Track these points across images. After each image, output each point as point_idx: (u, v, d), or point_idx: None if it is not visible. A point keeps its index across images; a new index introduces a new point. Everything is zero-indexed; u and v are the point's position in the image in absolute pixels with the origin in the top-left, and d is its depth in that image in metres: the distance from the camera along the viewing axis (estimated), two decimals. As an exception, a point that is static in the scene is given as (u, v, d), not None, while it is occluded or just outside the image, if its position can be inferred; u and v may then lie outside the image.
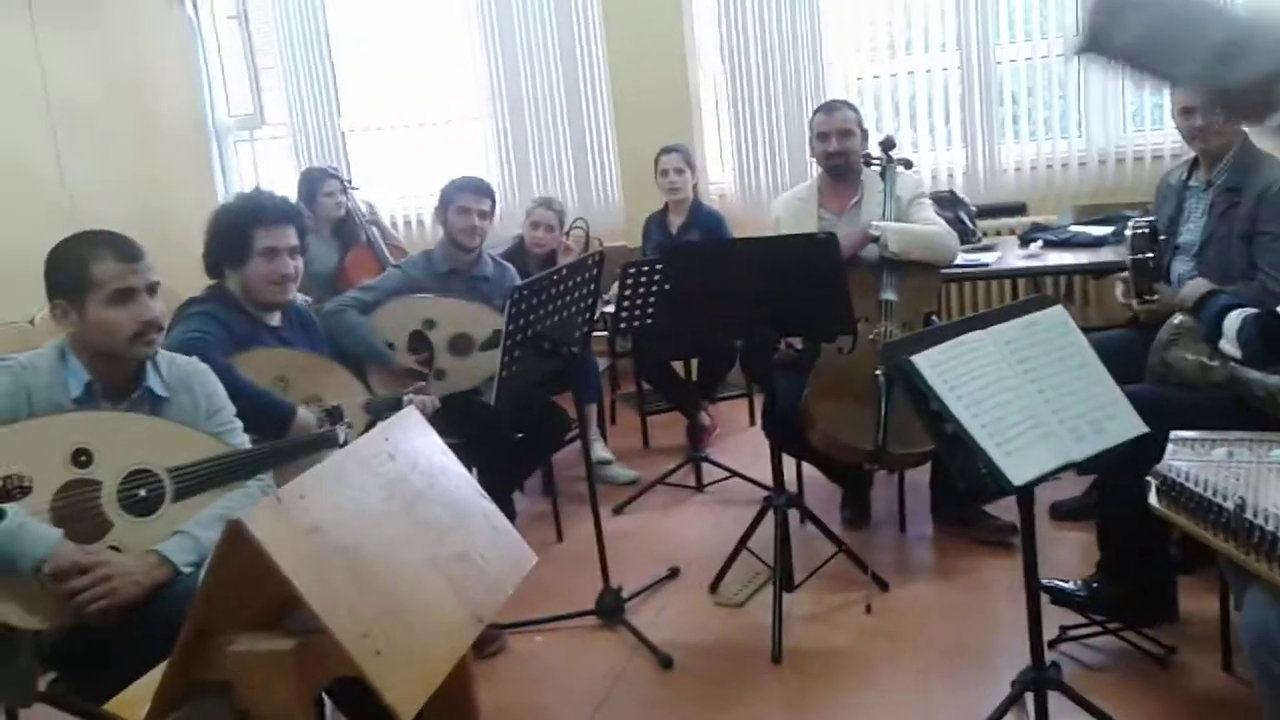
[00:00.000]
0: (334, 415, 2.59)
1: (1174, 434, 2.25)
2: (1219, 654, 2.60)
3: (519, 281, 3.78)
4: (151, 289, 2.24)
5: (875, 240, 3.51)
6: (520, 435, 3.69)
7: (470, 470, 3.44)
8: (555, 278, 3.01)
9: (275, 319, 2.91)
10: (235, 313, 2.82)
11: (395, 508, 1.79)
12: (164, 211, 5.77)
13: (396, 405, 2.87)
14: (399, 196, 6.01)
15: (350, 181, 5.12)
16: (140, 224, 5.64)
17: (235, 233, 2.79)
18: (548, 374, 3.17)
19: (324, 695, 2.17)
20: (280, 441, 2.47)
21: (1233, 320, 2.61)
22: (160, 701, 1.59)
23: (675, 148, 4.73)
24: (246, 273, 2.80)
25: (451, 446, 3.05)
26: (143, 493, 2.14)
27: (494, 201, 3.83)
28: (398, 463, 1.86)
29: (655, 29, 5.45)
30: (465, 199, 3.74)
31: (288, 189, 4.73)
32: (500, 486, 3.57)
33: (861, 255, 3.54)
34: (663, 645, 2.96)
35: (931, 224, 3.63)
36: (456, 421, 3.31)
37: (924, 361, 2.14)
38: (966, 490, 3.28)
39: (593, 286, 3.14)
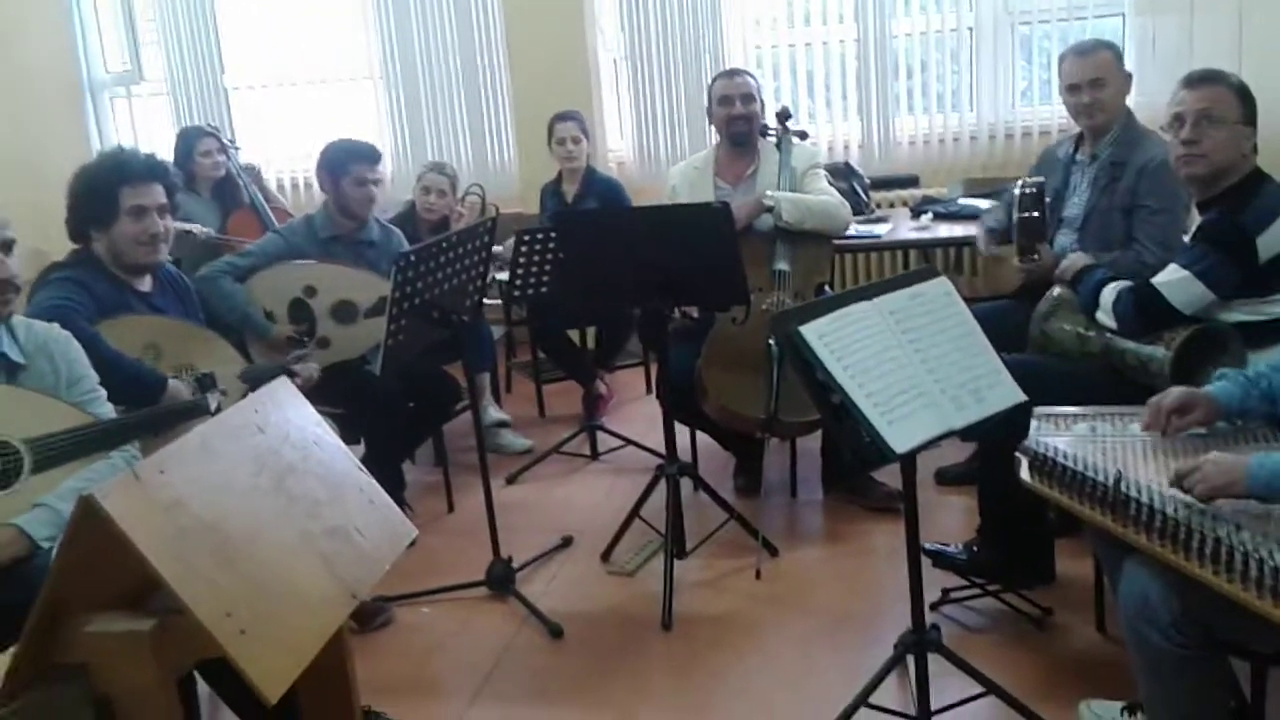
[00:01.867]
0: (205, 383, 2.48)
1: (1037, 409, 2.30)
2: (1093, 615, 2.69)
3: (406, 247, 3.70)
4: (6, 246, 2.11)
5: (769, 210, 3.52)
6: (410, 405, 3.61)
7: (358, 441, 3.41)
8: (445, 244, 2.94)
9: (145, 284, 2.78)
10: (101, 278, 2.68)
11: (265, 481, 1.72)
12: (34, 172, 5.46)
13: (274, 374, 2.78)
14: (286, 158, 5.80)
15: (232, 141, 4.93)
16: (8, 185, 5.41)
17: (99, 193, 2.65)
18: (438, 342, 3.10)
19: (196, 675, 2.10)
20: (145, 410, 2.36)
21: (1109, 293, 2.69)
22: (10, 684, 1.51)
23: (570, 115, 4.66)
24: (113, 234, 2.66)
25: (337, 417, 2.98)
26: (-4, 465, 2.03)
27: (382, 168, 3.72)
28: (268, 435, 1.79)
29: (553, -8, 5.36)
30: (362, 169, 3.58)
31: (167, 149, 4.55)
32: (388, 457, 3.52)
33: (756, 225, 3.55)
34: (553, 615, 2.95)
35: (825, 194, 3.65)
36: (341, 391, 3.23)
37: (811, 332, 2.14)
38: (852, 458, 3.35)
39: (484, 254, 3.08)
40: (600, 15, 5.54)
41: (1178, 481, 1.80)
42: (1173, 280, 2.53)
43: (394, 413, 3.51)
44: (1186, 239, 3.03)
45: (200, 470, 1.58)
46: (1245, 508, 1.77)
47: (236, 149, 4.88)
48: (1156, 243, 3.05)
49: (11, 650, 1.53)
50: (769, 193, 3.54)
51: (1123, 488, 1.84)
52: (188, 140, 4.68)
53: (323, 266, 3.49)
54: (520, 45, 5.47)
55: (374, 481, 1.96)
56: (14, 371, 2.16)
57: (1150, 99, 3.48)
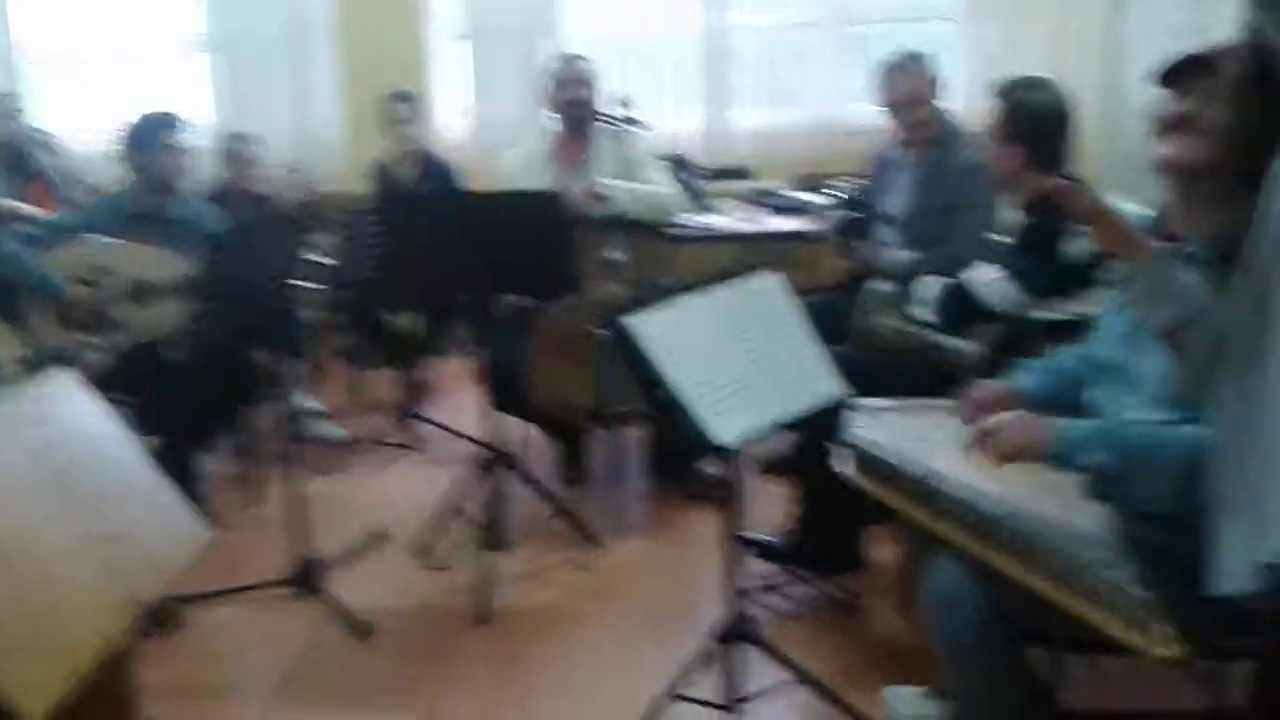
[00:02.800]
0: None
1: (857, 402, 2.34)
2: (898, 600, 2.75)
3: (220, 225, 3.49)
4: None
5: (603, 199, 3.47)
6: (212, 392, 3.39)
7: (154, 432, 3.19)
8: (258, 224, 2.76)
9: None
10: None
11: (41, 479, 1.58)
12: None
13: (61, 360, 2.56)
14: (93, 131, 5.36)
15: (21, 109, 4.54)
16: None
17: None
18: (248, 327, 2.91)
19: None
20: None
21: (927, 289, 2.77)
22: None
23: (405, 94, 4.50)
24: None
25: (131, 407, 2.77)
26: None
27: (187, 135, 3.49)
28: (48, 428, 1.64)
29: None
30: (167, 136, 3.37)
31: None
32: (186, 448, 3.30)
33: (588, 213, 3.49)
34: (365, 612, 2.83)
35: (659, 185, 3.63)
36: (137, 378, 3.01)
37: (640, 325, 2.12)
38: (679, 449, 3.36)
39: (300, 235, 2.92)
40: (438, -10, 5.35)
41: (978, 439, 1.82)
42: (987, 279, 2.62)
43: (194, 401, 3.28)
44: (1002, 238, 3.17)
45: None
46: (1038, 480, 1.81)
47: (19, 112, 4.49)
48: (970, 240, 3.15)
49: None
50: (604, 181, 3.49)
51: (934, 482, 1.88)
52: None
53: (121, 244, 3.24)
54: (351, 19, 5.23)
55: (165, 481, 1.81)
56: None
57: (972, 100, 3.59)
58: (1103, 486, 1.73)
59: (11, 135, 4.34)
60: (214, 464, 3.78)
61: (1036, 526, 1.75)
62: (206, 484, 3.46)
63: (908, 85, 3.33)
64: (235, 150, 4.16)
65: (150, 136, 3.38)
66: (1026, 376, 2.17)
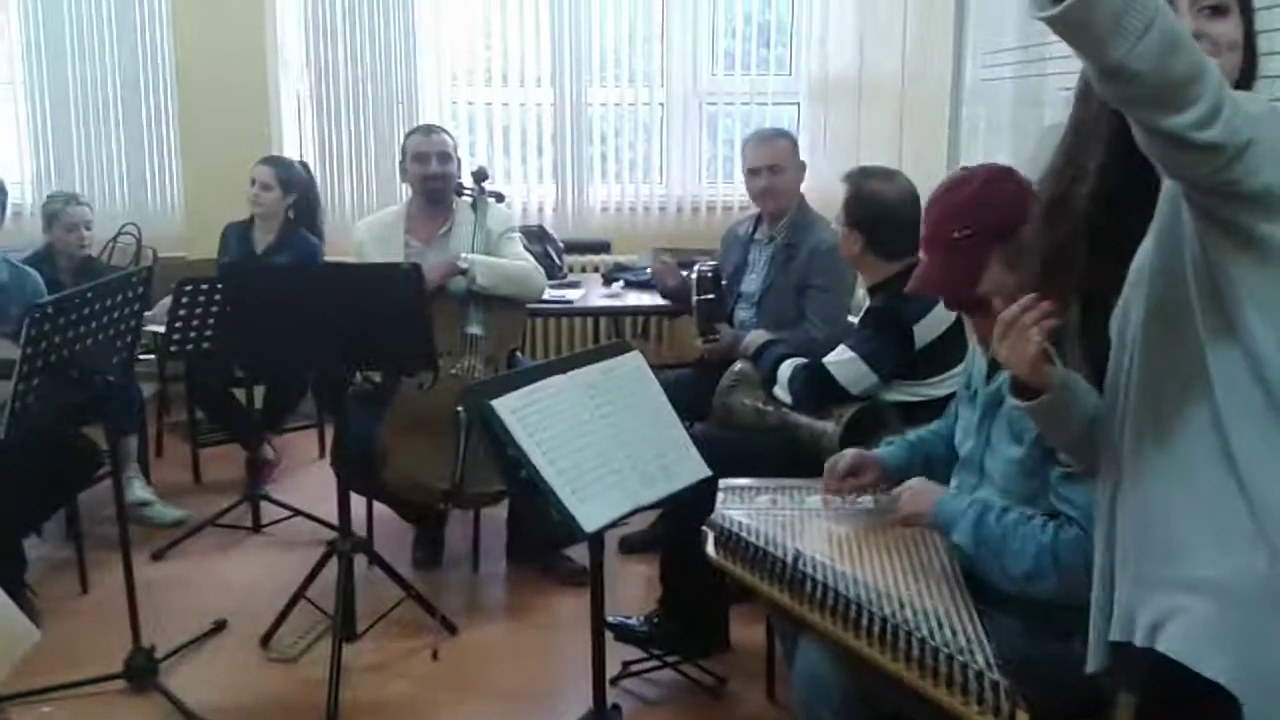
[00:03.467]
0: None
1: (722, 482, 2.35)
2: (764, 682, 2.75)
3: (43, 289, 3.27)
4: None
5: (463, 273, 3.41)
6: (37, 472, 3.14)
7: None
8: (90, 294, 2.59)
9: None
10: None
11: None
12: None
13: None
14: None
15: None
16: None
17: None
18: (77, 402, 2.72)
19: None
20: None
21: (785, 369, 2.81)
22: None
23: (271, 160, 4.33)
24: None
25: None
26: None
27: (5, 192, 3.27)
28: None
29: (231, 16, 4.98)
30: None
31: None
32: (8, 533, 3.05)
33: (448, 287, 3.42)
34: (203, 709, 2.63)
35: (520, 259, 3.60)
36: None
37: (503, 406, 2.09)
38: (541, 535, 3.30)
39: (137, 306, 2.75)
40: (285, 48, 5.21)
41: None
42: (841, 361, 2.69)
43: (17, 482, 3.03)
44: (852, 319, 3.27)
45: None
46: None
47: None
48: (824, 319, 3.25)
49: None
50: (464, 255, 3.43)
51: (800, 565, 1.88)
52: None
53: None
54: (193, 75, 5.02)
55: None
56: None
57: (820, 183, 3.72)
58: (965, 564, 1.87)
59: None
60: (40, 549, 3.50)
61: (894, 609, 1.77)
62: (29, 571, 3.19)
63: (772, 151, 3.44)
64: (59, 210, 3.92)
65: None
66: (885, 448, 2.25)
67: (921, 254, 2.07)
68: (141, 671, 2.74)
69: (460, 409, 3.12)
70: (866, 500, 2.18)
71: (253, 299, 2.92)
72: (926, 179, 2.69)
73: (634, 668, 2.81)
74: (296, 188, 4.29)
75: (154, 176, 5.15)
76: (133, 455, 3.89)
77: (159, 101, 5.10)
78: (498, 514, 3.60)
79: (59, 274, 3.78)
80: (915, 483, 1.99)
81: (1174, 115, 1.09)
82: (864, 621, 1.77)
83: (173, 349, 3.56)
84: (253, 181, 4.24)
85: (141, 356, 3.38)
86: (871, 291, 2.78)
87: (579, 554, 3.36)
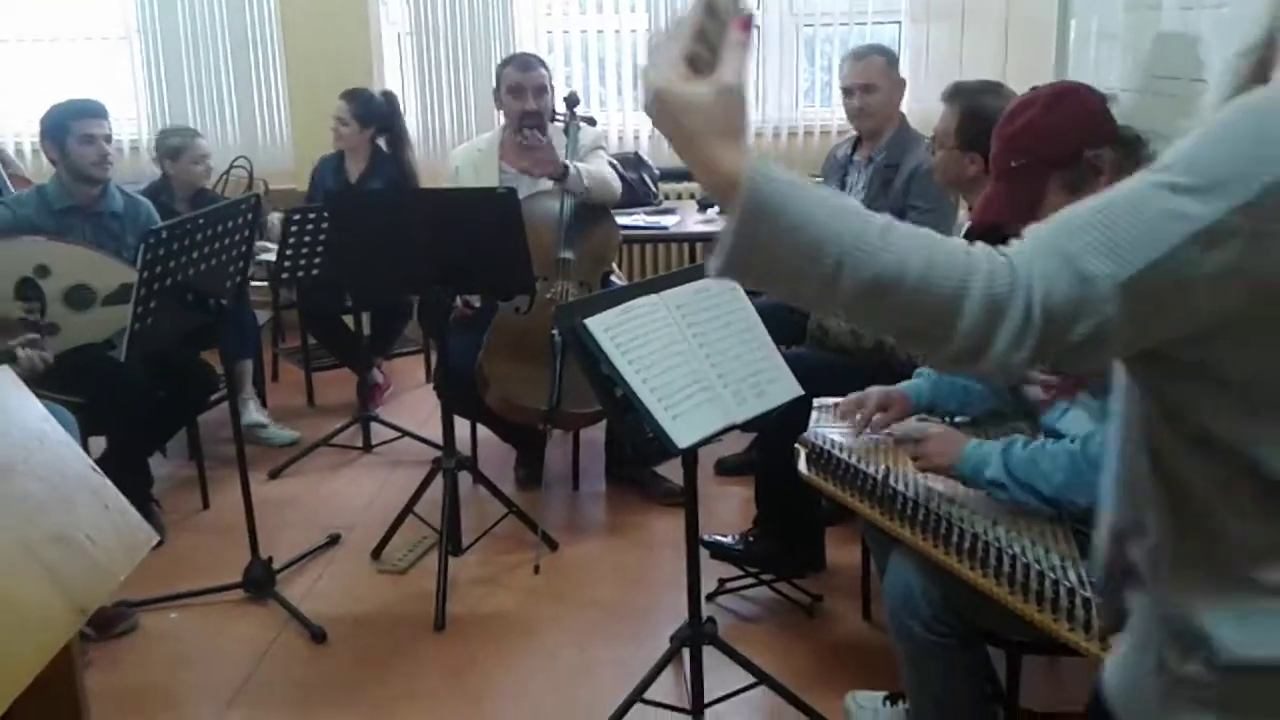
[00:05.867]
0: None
1: (815, 401, 2.35)
2: (859, 602, 2.77)
3: (156, 218, 3.41)
4: None
5: (563, 177, 3.40)
6: (160, 394, 3.31)
7: (99, 433, 3.11)
8: (201, 221, 2.70)
9: None
10: None
11: (-25, 482, 1.51)
12: None
13: (2, 359, 2.48)
14: (25, 121, 5.23)
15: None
16: None
17: None
18: (192, 328, 2.85)
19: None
20: None
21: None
22: None
23: (348, 95, 4.40)
24: None
25: (75, 408, 2.70)
26: None
27: (110, 124, 3.38)
28: (-18, 429, 1.58)
29: (332, -47, 5.07)
30: (87, 124, 3.25)
31: None
32: (134, 451, 3.24)
33: (541, 213, 3.46)
34: (318, 618, 2.78)
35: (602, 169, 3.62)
36: (82, 378, 2.93)
37: (597, 325, 2.10)
38: (634, 452, 3.34)
39: (247, 233, 2.86)
40: (385, -15, 5.28)
41: (902, 444, 1.88)
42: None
43: (141, 403, 3.21)
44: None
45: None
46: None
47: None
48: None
49: None
50: (569, 162, 3.43)
51: (890, 482, 1.89)
52: None
53: (57, 245, 3.14)
54: (296, 10, 5.14)
55: (108, 483, 1.76)
56: None
57: (923, 104, 3.62)
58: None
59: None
60: (164, 467, 3.71)
61: (985, 525, 1.77)
62: (155, 487, 3.39)
63: (865, 69, 3.36)
64: (182, 144, 4.06)
65: (64, 126, 3.27)
66: (912, 381, 2.24)
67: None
68: (259, 581, 2.89)
69: (555, 332, 3.19)
70: (898, 428, 2.17)
71: (356, 226, 3.01)
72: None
73: (729, 585, 2.86)
74: (376, 120, 4.34)
75: (262, 112, 5.31)
76: (248, 379, 4.06)
77: (265, 40, 5.24)
78: (596, 436, 3.67)
79: (175, 204, 3.93)
80: (936, 429, 1.95)
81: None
82: (954, 538, 1.77)
83: (284, 276, 3.69)
84: (339, 117, 4.34)
85: (256, 284, 3.52)
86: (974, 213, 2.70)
87: (675, 475, 3.43)
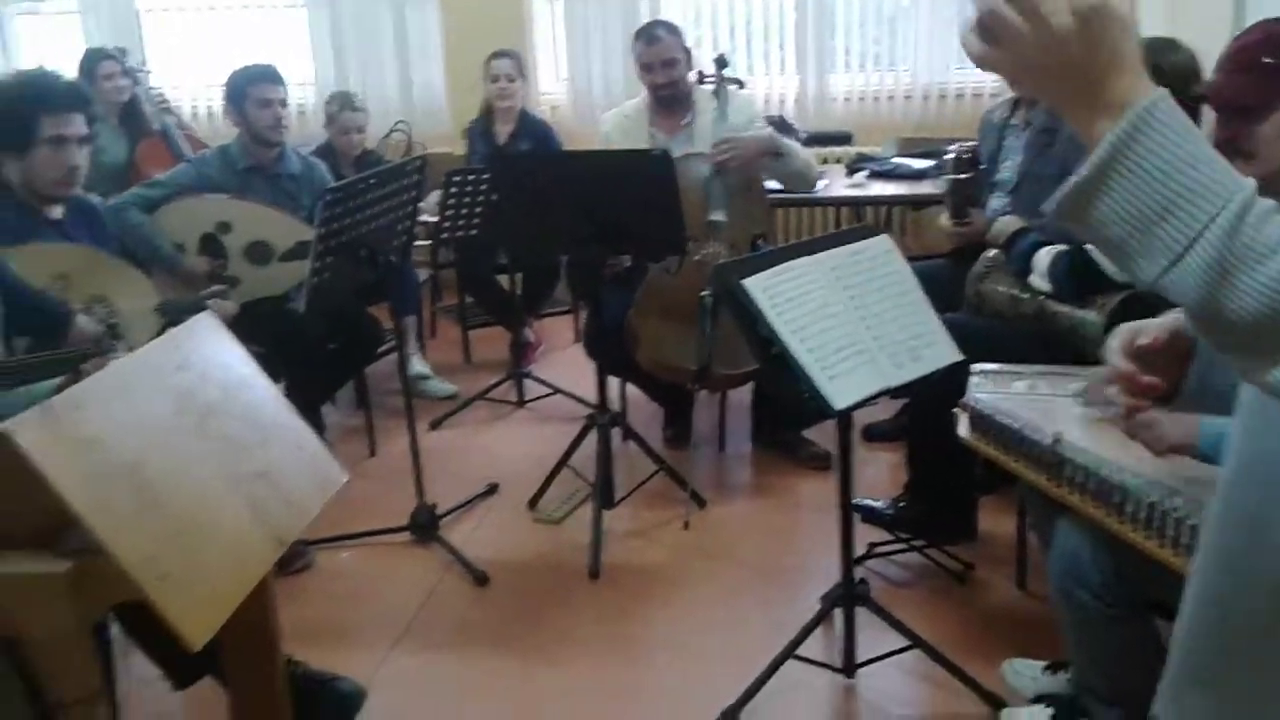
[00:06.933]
0: (115, 331, 2.36)
1: (975, 366, 2.32)
2: (1014, 570, 2.74)
3: (329, 179, 3.58)
4: None
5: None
6: (332, 346, 3.50)
7: (277, 381, 3.30)
8: (373, 181, 2.83)
9: (57, 211, 2.64)
10: (10, 203, 2.54)
11: (188, 421, 1.63)
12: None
13: (194, 308, 2.65)
14: (202, 86, 5.53)
15: (143, 65, 4.68)
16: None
17: (16, 117, 2.49)
18: (363, 283, 3.00)
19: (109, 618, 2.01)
20: (48, 354, 2.22)
21: (1044, 256, 2.70)
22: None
23: (508, 53, 4.54)
24: (28, 162, 2.51)
25: (255, 356, 2.87)
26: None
27: (285, 89, 3.56)
28: (190, 373, 1.70)
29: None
30: (263, 89, 3.45)
31: (73, 72, 4.32)
32: (309, 399, 3.41)
33: (692, 176, 3.49)
34: (478, 562, 2.90)
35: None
36: (262, 329, 3.11)
37: (755, 285, 2.13)
38: (789, 415, 3.35)
39: (414, 194, 2.98)
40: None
41: (1132, 432, 1.81)
42: (1109, 246, 2.55)
43: (316, 353, 3.40)
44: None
45: (119, 408, 1.49)
46: (1184, 471, 1.79)
47: (146, 73, 4.64)
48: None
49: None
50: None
51: (1061, 449, 1.86)
52: (89, 63, 4.45)
53: (238, 203, 3.35)
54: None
55: (302, 423, 1.88)
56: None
57: None
58: None
59: (129, 93, 4.47)
60: (334, 415, 3.91)
61: (1161, 495, 1.73)
62: (326, 433, 3.58)
63: None
64: (335, 113, 4.24)
65: (243, 90, 3.46)
66: None
67: (1215, 73, 1.92)
68: (425, 526, 3.04)
69: (705, 293, 3.22)
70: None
71: (516, 188, 3.09)
72: (1208, 50, 2.49)
73: (879, 549, 2.86)
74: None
75: (421, 78, 5.47)
76: (411, 334, 4.24)
77: (424, 9, 5.39)
78: (743, 398, 3.70)
79: (341, 166, 4.11)
80: (1162, 413, 1.78)
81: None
82: (1129, 507, 1.74)
83: (443, 236, 3.83)
84: (495, 78, 4.45)
85: (416, 244, 3.66)
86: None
87: (821, 438, 3.44)
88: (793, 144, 3.57)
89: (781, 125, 4.79)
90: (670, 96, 3.60)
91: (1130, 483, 1.77)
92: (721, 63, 3.63)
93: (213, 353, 1.82)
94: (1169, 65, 2.52)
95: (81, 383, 1.47)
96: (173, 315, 2.66)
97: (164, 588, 1.37)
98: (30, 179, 2.54)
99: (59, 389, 1.94)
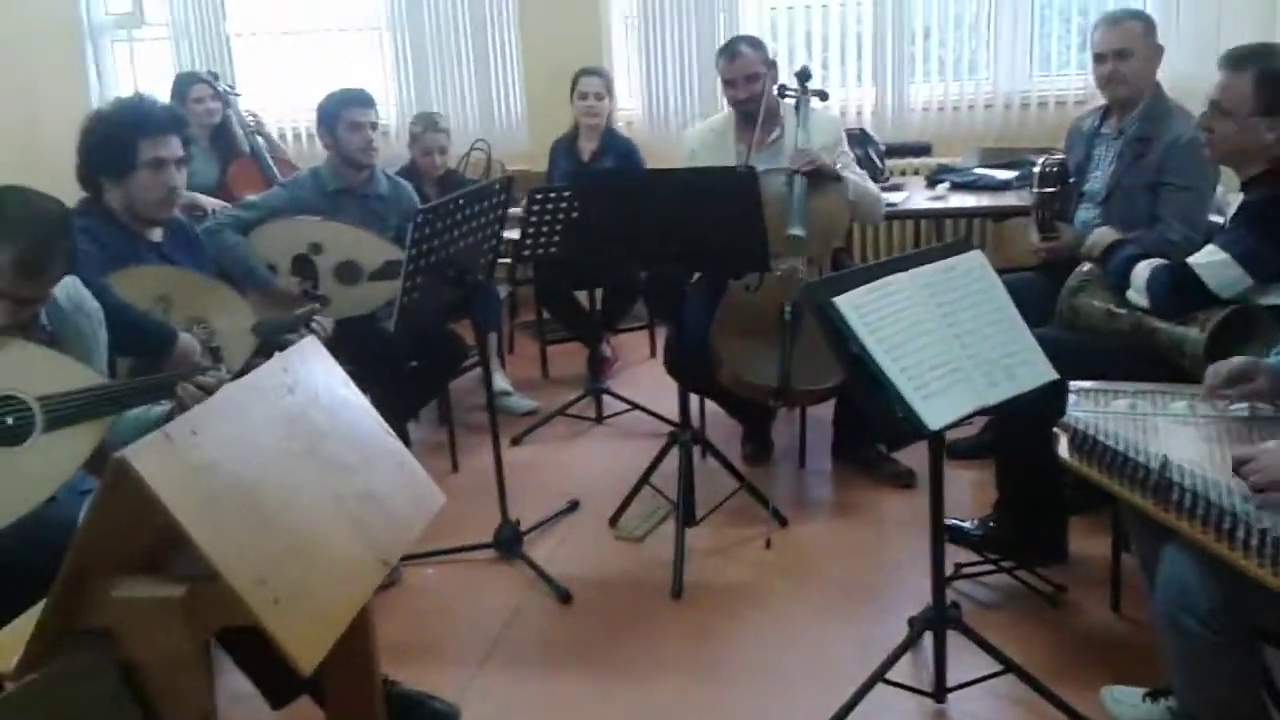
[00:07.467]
0: (216, 354, 2.42)
1: (1074, 384, 2.27)
2: (1108, 594, 2.67)
3: (416, 199, 3.63)
4: None
5: (838, 179, 3.47)
6: (416, 363, 3.55)
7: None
8: (461, 202, 2.87)
9: (156, 234, 2.72)
10: (113, 228, 2.62)
11: (296, 445, 1.68)
12: (32, 117, 5.39)
13: (288, 328, 2.72)
14: (289, 108, 5.66)
15: (232, 88, 4.81)
16: (5, 131, 5.26)
17: (117, 142, 2.57)
18: (450, 302, 3.04)
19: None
20: (158, 376, 2.28)
21: (1141, 270, 2.64)
22: (34, 649, 1.46)
23: (596, 71, 4.59)
24: (129, 185, 2.60)
25: (350, 375, 2.92)
26: (10, 421, 1.96)
27: (377, 112, 3.62)
28: (298, 396, 1.74)
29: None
30: (355, 112, 3.51)
31: (165, 95, 4.45)
32: (395, 415, 3.44)
33: (772, 191, 3.46)
34: (561, 579, 2.92)
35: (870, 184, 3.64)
36: (350, 347, 3.17)
37: (846, 303, 2.11)
38: (883, 436, 3.31)
39: (500, 213, 3.01)
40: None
41: (1236, 468, 1.76)
42: (1210, 262, 2.49)
43: (402, 371, 3.45)
44: (1215, 218, 3.00)
45: (232, 432, 1.53)
46: None
47: (236, 95, 4.76)
48: (1181, 220, 3.01)
49: (32, 612, 1.48)
50: (841, 169, 3.50)
51: (1168, 472, 1.81)
52: (180, 86, 4.57)
53: (329, 224, 3.42)
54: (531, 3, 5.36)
55: (401, 444, 1.91)
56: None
57: (1172, 71, 3.37)
58: None
59: (220, 116, 4.59)
60: (418, 431, 3.96)
61: (1274, 521, 1.68)
62: (411, 449, 3.63)
63: (1120, 34, 3.18)
64: (418, 134, 4.31)
65: (333, 111, 3.52)
66: (1277, 358, 2.08)
67: None
68: (508, 542, 3.07)
69: (787, 307, 3.20)
70: (1242, 408, 2.05)
71: (600, 205, 3.11)
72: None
73: (966, 569, 2.81)
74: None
75: (500, 98, 5.54)
76: (493, 350, 4.28)
77: (503, 30, 5.46)
78: (823, 414, 3.67)
79: (424, 186, 4.17)
80: (1270, 445, 1.78)
81: None
82: (1240, 533, 1.69)
83: (525, 254, 3.87)
84: (584, 95, 4.48)
85: (500, 261, 3.70)
86: (1246, 187, 2.53)
87: (902, 455, 3.40)
88: (859, 183, 3.54)
89: (860, 138, 4.76)
90: (755, 111, 3.59)
91: (1240, 508, 1.72)
92: (804, 75, 3.62)
93: (318, 376, 1.86)
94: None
95: (196, 408, 1.51)
96: (268, 335, 2.73)
97: (276, 612, 1.40)
98: (131, 202, 2.62)
99: (168, 416, 2.00)
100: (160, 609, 1.42)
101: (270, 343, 2.69)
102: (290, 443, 1.68)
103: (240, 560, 1.40)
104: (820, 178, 3.43)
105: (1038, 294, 3.02)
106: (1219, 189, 3.13)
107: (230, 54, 5.69)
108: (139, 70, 5.88)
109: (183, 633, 1.43)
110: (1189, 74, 2.65)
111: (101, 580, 1.44)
